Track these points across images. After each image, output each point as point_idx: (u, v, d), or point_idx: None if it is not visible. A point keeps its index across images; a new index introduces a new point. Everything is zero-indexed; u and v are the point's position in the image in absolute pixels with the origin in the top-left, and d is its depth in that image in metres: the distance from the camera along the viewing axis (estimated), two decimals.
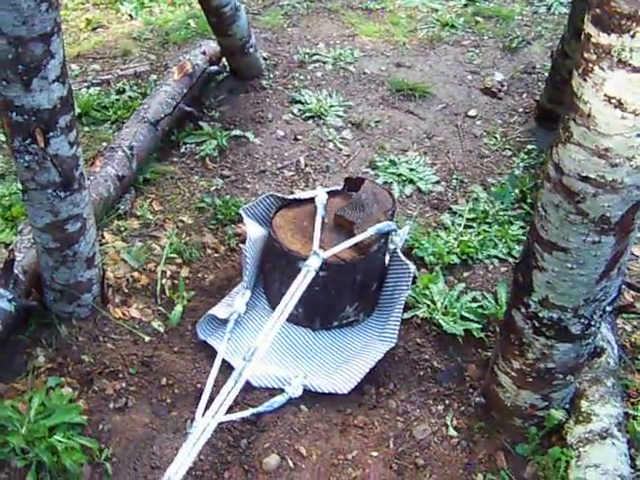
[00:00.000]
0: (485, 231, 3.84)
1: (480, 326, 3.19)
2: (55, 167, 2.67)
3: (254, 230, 3.30)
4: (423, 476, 2.71)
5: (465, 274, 3.59)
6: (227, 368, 2.88)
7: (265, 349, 2.77)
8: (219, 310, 3.16)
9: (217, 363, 2.82)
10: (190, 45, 5.37)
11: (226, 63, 5.17)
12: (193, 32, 5.79)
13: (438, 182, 4.31)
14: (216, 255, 3.64)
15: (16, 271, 3.05)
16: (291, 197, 3.41)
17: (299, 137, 4.61)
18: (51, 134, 2.58)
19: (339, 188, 3.43)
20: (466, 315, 3.23)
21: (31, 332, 3.10)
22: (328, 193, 3.33)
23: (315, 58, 5.54)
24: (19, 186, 2.87)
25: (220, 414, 2.59)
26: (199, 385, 2.92)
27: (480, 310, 3.26)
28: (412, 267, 3.17)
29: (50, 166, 2.66)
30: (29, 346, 3.06)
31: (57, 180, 2.72)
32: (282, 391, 2.90)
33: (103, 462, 2.68)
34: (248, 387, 2.95)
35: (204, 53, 4.95)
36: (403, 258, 3.19)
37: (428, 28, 6.09)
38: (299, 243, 3.08)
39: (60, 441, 2.64)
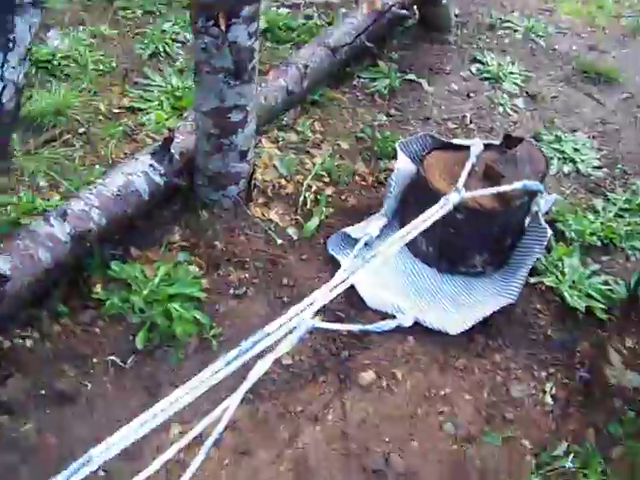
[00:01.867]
0: (637, 223, 3.72)
1: (604, 307, 3.13)
2: (231, 54, 2.83)
3: (404, 164, 3.37)
4: (508, 430, 2.73)
5: (603, 258, 3.51)
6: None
7: (383, 259, 2.79)
8: (353, 230, 3.26)
9: (337, 276, 2.92)
10: None
11: (417, 12, 5.19)
12: None
13: (599, 167, 4.20)
14: (363, 183, 3.74)
15: (173, 151, 3.26)
16: (447, 141, 3.45)
17: (471, 95, 4.61)
18: (233, 20, 2.73)
19: (497, 142, 3.42)
20: (592, 294, 3.17)
21: (173, 211, 3.34)
22: (485, 145, 3.33)
23: (506, 25, 5.47)
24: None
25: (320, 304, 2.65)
26: None
27: (609, 293, 3.19)
28: (549, 232, 3.15)
29: (226, 52, 2.82)
30: (168, 222, 3.29)
31: (230, 67, 2.88)
32: (394, 317, 2.97)
33: (211, 338, 2.87)
34: (363, 306, 3.06)
35: None
36: (542, 221, 3.17)
37: (635, 17, 5.85)
38: (445, 183, 3.12)
39: (176, 309, 2.87)
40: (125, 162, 3.25)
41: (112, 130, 3.76)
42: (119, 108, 3.99)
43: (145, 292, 2.88)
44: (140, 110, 3.96)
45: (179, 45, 4.57)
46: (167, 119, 3.86)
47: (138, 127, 3.83)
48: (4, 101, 1.85)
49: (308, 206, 3.50)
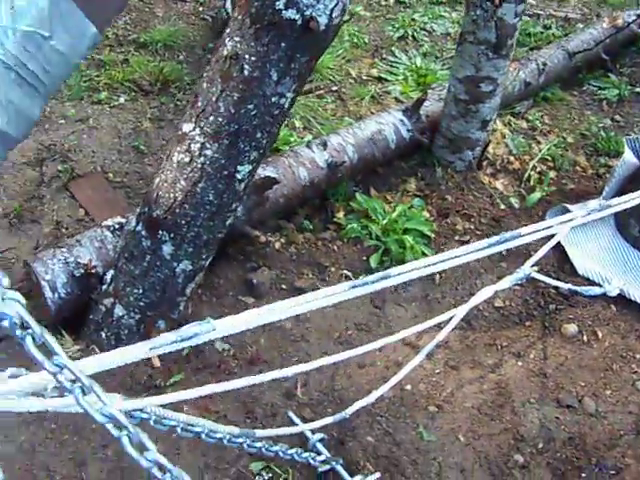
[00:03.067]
0: None
1: None
2: (496, 28, 3.20)
3: (629, 157, 3.59)
4: None
5: None
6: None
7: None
8: (572, 206, 3.52)
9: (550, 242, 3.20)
10: (628, 7, 5.62)
11: None
12: None
13: None
14: (583, 173, 3.99)
15: (421, 112, 3.67)
16: None
17: None
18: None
19: None
20: None
21: (411, 165, 3.74)
22: None
23: None
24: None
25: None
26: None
27: None
28: None
29: (492, 26, 3.19)
30: (406, 173, 3.70)
31: (492, 41, 3.25)
32: (600, 286, 3.20)
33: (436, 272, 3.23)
34: (572, 272, 3.32)
35: (638, 16, 5.19)
36: None
37: None
38: None
39: (409, 240, 3.25)
40: (378, 114, 3.69)
41: (361, 92, 4.24)
42: (368, 76, 4.48)
43: (383, 222, 3.30)
44: (387, 80, 4.42)
45: (425, 33, 5.01)
46: (411, 91, 4.29)
47: (384, 94, 4.29)
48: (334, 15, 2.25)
49: (531, 182, 3.80)
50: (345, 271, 3.20)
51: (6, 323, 0.99)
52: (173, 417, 1.40)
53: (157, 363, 2.66)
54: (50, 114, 3.81)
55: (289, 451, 2.11)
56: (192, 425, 1.50)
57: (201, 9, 5.05)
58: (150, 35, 4.54)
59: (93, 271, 2.67)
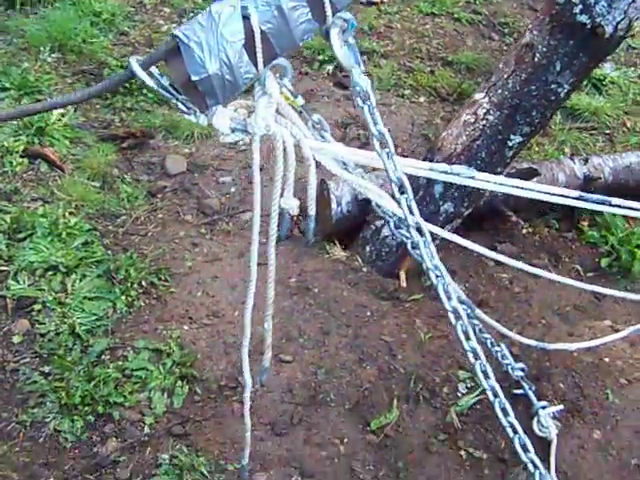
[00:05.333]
0: None
1: None
2: None
3: None
4: None
5: None
6: None
7: None
8: None
9: None
10: None
11: None
12: None
13: None
14: None
15: None
16: None
17: None
18: None
19: None
20: None
21: None
22: None
23: None
24: None
25: None
26: None
27: None
28: None
29: None
30: None
31: None
32: None
33: None
34: None
35: None
36: None
37: None
38: None
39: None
40: None
41: (632, 140, 4.66)
42: None
43: (620, 235, 3.75)
44: None
45: None
46: None
47: None
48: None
49: None
50: (577, 266, 3.66)
51: None
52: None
53: (404, 282, 3.31)
54: None
55: (495, 348, 2.63)
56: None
57: (505, 48, 5.72)
58: (457, 57, 5.28)
59: None
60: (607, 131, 4.83)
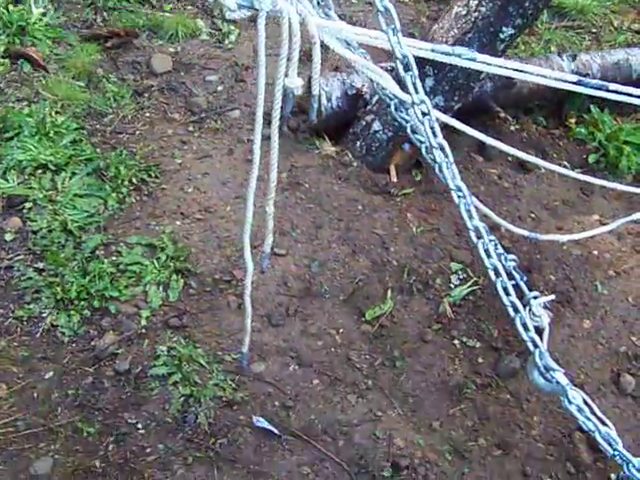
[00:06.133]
0: None
1: None
2: None
3: None
4: None
5: None
6: None
7: None
8: None
9: None
10: None
11: None
12: None
13: None
14: None
15: None
16: None
17: None
18: None
19: None
20: None
21: None
22: None
23: None
24: None
25: None
26: None
27: None
28: None
29: None
30: None
31: None
32: None
33: None
34: None
35: None
36: None
37: None
38: None
39: (627, 150, 3.68)
40: (631, 47, 4.10)
41: (618, 38, 4.63)
42: (628, 29, 4.82)
43: (608, 132, 3.73)
44: None
45: None
46: None
47: None
48: None
49: None
50: (565, 162, 3.67)
51: None
52: None
53: (394, 177, 3.31)
54: None
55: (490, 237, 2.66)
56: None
57: None
58: None
59: (363, 94, 3.37)
60: (593, 30, 4.77)
